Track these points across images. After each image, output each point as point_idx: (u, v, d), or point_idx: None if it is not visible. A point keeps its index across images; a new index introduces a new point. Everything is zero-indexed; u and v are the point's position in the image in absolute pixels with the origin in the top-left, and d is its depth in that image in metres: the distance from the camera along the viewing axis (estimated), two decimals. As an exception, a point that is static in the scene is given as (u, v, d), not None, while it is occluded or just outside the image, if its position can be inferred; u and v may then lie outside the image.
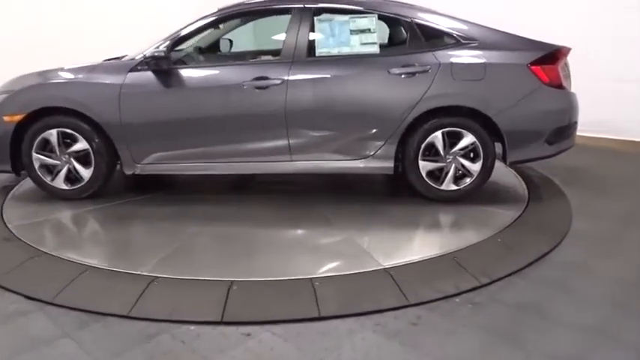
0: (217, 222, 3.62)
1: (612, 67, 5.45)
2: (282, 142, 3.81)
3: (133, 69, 3.83)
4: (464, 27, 3.80)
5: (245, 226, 3.57)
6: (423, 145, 3.77)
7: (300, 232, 3.47)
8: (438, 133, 3.75)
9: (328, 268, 2.91)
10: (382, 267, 2.90)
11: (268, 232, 3.45)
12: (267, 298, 2.64)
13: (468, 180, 3.83)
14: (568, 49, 3.87)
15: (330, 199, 4.00)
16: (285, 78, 3.73)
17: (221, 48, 4.79)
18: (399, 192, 4.11)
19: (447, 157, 3.79)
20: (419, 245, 3.33)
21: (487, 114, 3.69)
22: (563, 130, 3.84)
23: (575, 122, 3.94)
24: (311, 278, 2.78)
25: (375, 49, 3.81)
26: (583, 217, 3.73)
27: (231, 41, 4.96)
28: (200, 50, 4.39)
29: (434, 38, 3.81)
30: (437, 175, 3.86)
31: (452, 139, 3.78)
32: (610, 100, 5.39)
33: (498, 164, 3.92)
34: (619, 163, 5.13)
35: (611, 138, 5.55)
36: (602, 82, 5.34)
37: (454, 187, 3.85)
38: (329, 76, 3.76)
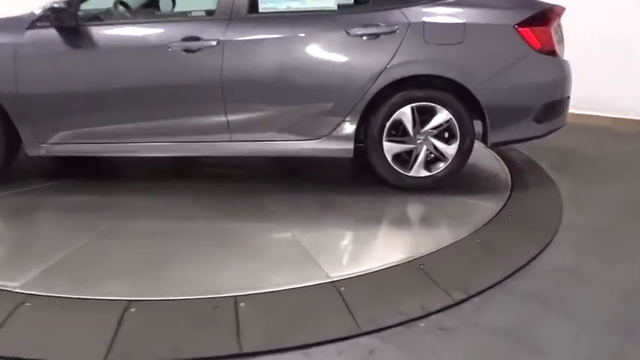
0: (138, 216, 2.94)
1: (603, 31, 4.86)
2: (218, 119, 3.13)
3: (32, 25, 3.08)
4: (439, -21, 3.13)
5: (170, 220, 2.90)
6: (388, 123, 3.13)
7: (233, 229, 2.80)
8: (407, 109, 3.11)
9: (259, 281, 2.28)
10: (329, 279, 2.27)
11: (195, 230, 2.79)
12: (173, 325, 1.99)
13: (441, 165, 3.21)
14: (562, 9, 3.24)
15: (277, 187, 3.34)
16: (221, 38, 3.02)
17: (161, 7, 4.05)
18: (361, 179, 3.49)
19: (417, 137, 3.16)
20: (379, 248, 2.70)
21: (466, 85, 3.05)
22: (554, 106, 3.23)
23: (568, 97, 3.33)
24: (235, 296, 2.14)
25: (332, 5, 3.12)
26: (575, 208, 3.16)
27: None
28: (125, 6, 3.64)
29: (403, -8, 3.15)
30: (405, 158, 3.23)
31: (423, 115, 3.14)
32: (599, 73, 4.80)
33: (477, 145, 3.31)
34: (612, 145, 4.56)
35: (600, 115, 4.99)
36: (590, 50, 4.75)
37: (425, 174, 3.22)
38: (275, 36, 3.06)
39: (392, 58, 3.02)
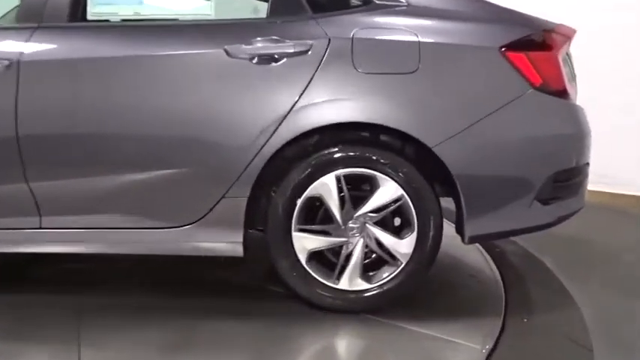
0: None
1: (622, 88, 3.79)
2: (16, 192, 1.87)
3: None
4: (380, -25, 2.00)
5: None
6: (299, 202, 1.89)
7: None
8: (329, 179, 1.88)
9: None
10: None
11: None
12: None
13: (388, 272, 1.96)
14: (571, 31, 2.13)
15: (121, 298, 2.05)
16: (15, 58, 1.83)
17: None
18: (264, 288, 2.20)
19: (349, 225, 1.92)
20: None
21: (424, 142, 1.86)
22: (567, 178, 2.01)
23: (587, 164, 2.15)
24: None
25: (206, 11, 1.97)
26: (609, 348, 1.89)
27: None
28: None
29: (322, -6, 2.01)
30: (330, 260, 1.99)
31: (357, 189, 1.94)
32: (617, 140, 3.68)
33: (450, 231, 2.08)
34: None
35: (617, 193, 3.82)
36: (607, 110, 3.64)
37: (363, 286, 1.94)
38: (110, 57, 1.86)
39: (300, 96, 1.81)
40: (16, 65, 1.80)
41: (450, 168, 1.87)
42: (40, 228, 1.92)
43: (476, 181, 1.91)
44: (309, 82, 1.82)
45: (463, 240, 1.97)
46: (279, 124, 1.82)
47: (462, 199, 1.89)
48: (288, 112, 1.82)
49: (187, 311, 1.98)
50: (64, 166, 1.87)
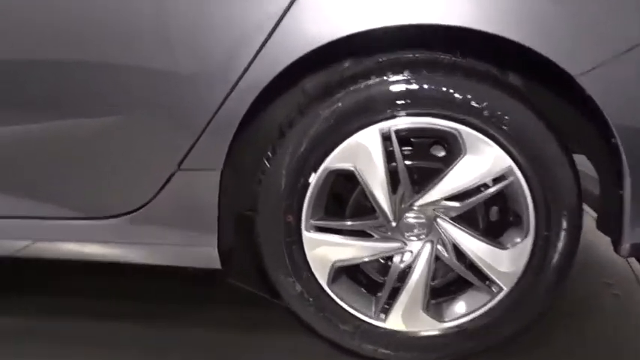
0: None
1: None
2: None
3: None
4: None
5: None
6: (313, 179, 1.03)
7: None
8: (370, 137, 0.99)
9: None
10: None
11: None
12: None
13: (472, 304, 1.11)
14: None
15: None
16: None
17: None
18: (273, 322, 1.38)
19: (407, 220, 1.07)
20: None
21: (564, 67, 0.94)
22: None
23: None
24: None
25: None
26: None
27: None
28: None
29: None
30: (372, 279, 1.16)
31: (422, 158, 1.08)
32: None
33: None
34: None
35: None
36: None
37: (429, 325, 1.11)
38: None
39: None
40: None
41: (610, 118, 0.95)
42: None
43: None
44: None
45: (617, 248, 1.07)
46: (273, 30, 0.94)
47: (628, 175, 0.98)
48: (281, 18, 0.93)
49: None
50: None
